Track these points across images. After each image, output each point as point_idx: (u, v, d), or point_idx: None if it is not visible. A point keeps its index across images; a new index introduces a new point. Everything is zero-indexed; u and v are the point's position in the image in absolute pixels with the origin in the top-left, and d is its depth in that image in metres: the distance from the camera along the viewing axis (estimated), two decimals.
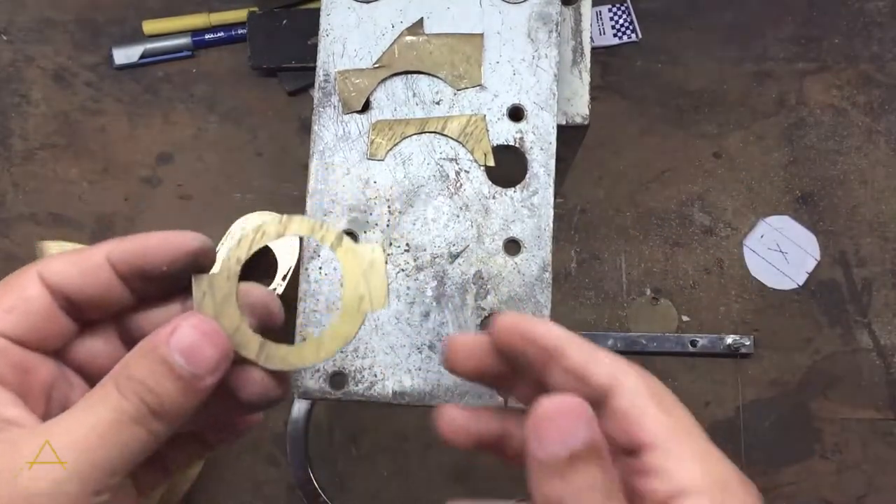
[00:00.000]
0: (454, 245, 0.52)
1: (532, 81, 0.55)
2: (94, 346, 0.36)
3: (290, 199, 0.91)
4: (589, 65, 0.64)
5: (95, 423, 0.31)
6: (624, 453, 0.33)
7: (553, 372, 0.34)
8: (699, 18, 0.97)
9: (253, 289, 0.36)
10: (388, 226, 0.53)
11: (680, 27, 0.96)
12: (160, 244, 0.35)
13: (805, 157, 0.92)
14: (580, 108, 0.63)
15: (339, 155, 0.54)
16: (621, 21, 0.96)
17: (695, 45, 0.96)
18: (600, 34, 0.96)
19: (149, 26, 0.95)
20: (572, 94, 0.63)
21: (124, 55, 0.94)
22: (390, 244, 0.53)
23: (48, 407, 0.34)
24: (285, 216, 0.37)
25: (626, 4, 0.97)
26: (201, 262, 0.35)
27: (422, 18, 0.56)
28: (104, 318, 0.36)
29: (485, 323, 0.51)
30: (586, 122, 0.63)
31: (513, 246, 0.52)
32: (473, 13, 0.56)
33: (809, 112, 0.94)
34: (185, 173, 0.92)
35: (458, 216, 0.53)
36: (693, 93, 0.94)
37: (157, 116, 0.94)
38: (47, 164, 0.93)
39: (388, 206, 0.53)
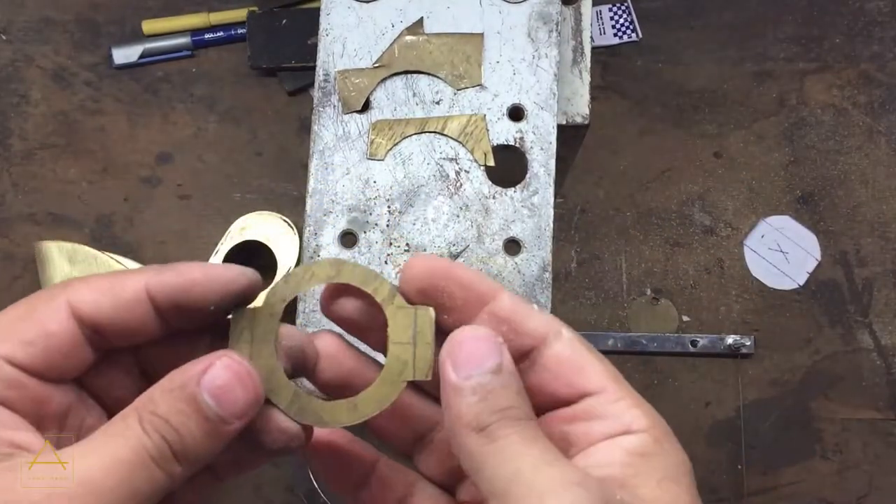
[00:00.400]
0: (454, 245, 0.52)
1: (532, 81, 0.55)
2: (112, 374, 0.34)
3: (290, 199, 0.91)
4: (589, 64, 0.64)
5: (111, 462, 0.29)
6: (555, 402, 0.33)
7: (479, 318, 0.34)
8: (699, 18, 0.97)
9: (293, 332, 0.34)
10: (388, 226, 0.53)
11: (680, 27, 0.96)
12: (208, 280, 0.32)
13: (806, 156, 0.92)
14: (580, 108, 0.63)
15: (339, 155, 0.54)
16: (621, 21, 0.96)
17: (695, 44, 0.96)
18: (600, 34, 0.96)
19: (148, 26, 0.95)
20: (572, 93, 0.63)
21: (124, 55, 0.94)
22: (390, 244, 0.52)
23: (62, 432, 0.33)
24: (338, 260, 0.35)
25: (626, 4, 0.97)
26: (247, 298, 0.34)
27: (422, 18, 0.56)
28: (129, 348, 0.34)
29: None
30: (586, 122, 0.63)
31: (513, 246, 0.52)
32: (473, 13, 0.56)
33: (810, 112, 0.93)
34: (185, 173, 0.92)
35: (458, 216, 0.53)
36: (693, 92, 0.94)
37: (157, 116, 0.94)
38: (46, 164, 0.92)
39: (388, 206, 0.53)
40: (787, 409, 0.86)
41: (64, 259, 0.84)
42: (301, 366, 0.35)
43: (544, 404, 0.34)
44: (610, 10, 0.97)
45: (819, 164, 0.92)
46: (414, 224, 0.53)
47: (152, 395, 0.31)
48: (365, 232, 0.53)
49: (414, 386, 0.34)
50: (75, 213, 0.91)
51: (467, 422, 0.31)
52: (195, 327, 0.34)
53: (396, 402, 0.34)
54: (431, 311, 0.34)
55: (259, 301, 0.34)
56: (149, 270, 0.32)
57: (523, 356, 0.34)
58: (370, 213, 0.53)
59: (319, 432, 0.35)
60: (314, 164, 0.54)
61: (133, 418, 0.30)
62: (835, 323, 0.88)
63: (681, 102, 0.94)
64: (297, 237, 0.81)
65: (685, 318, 0.88)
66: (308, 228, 0.53)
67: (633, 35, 0.96)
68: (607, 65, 0.95)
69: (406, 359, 0.34)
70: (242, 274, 0.33)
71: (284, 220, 0.82)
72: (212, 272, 0.32)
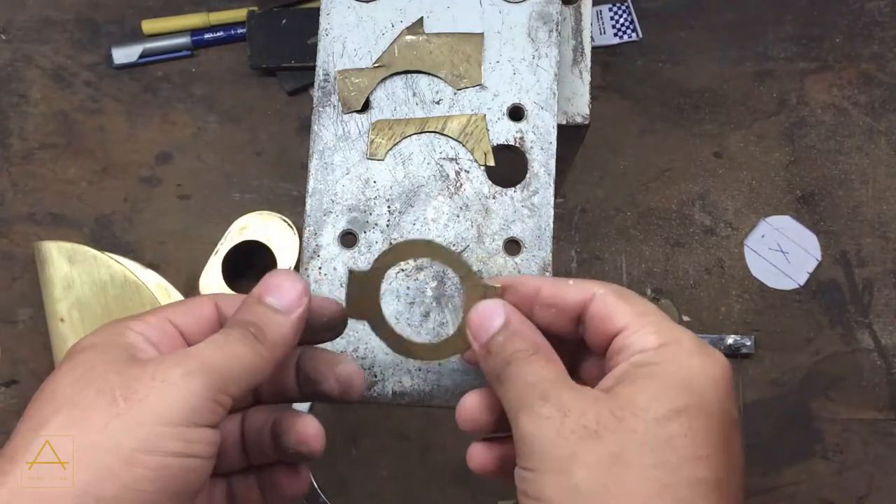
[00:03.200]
0: (454, 245, 0.52)
1: (532, 81, 0.55)
2: None
3: (290, 199, 0.91)
4: (589, 64, 0.64)
5: (211, 342, 0.39)
6: (601, 352, 0.41)
7: (535, 310, 0.43)
8: (700, 18, 0.96)
9: (329, 303, 0.45)
10: (387, 226, 0.53)
11: (681, 26, 0.96)
12: (326, 305, 0.44)
13: (806, 156, 0.92)
14: (580, 108, 0.63)
15: (338, 155, 0.54)
16: (622, 20, 0.96)
17: (695, 44, 0.96)
18: (601, 33, 0.96)
19: (148, 26, 0.95)
20: (572, 93, 0.63)
21: (123, 55, 0.94)
22: (390, 244, 0.52)
23: None
24: (429, 241, 0.47)
25: (626, 4, 0.96)
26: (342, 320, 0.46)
27: (422, 18, 0.56)
28: None
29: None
30: (587, 122, 0.63)
31: (513, 246, 0.52)
32: (473, 12, 0.56)
33: (810, 111, 0.93)
34: (185, 173, 0.92)
35: (458, 216, 0.53)
36: (694, 92, 0.94)
37: (157, 116, 0.94)
38: (46, 164, 0.92)
39: (388, 206, 0.53)
40: (788, 409, 0.86)
41: (63, 259, 0.84)
42: (328, 327, 0.45)
43: (598, 355, 0.42)
44: (610, 9, 0.97)
45: (819, 164, 0.92)
46: (414, 224, 0.53)
47: (230, 316, 0.42)
48: (365, 232, 0.53)
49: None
50: (75, 212, 0.91)
51: (489, 376, 0.41)
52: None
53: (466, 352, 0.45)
54: (499, 288, 0.44)
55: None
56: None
57: (576, 323, 0.42)
58: (370, 213, 0.53)
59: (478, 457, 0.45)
60: (314, 164, 0.54)
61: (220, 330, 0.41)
62: (835, 323, 0.88)
63: (681, 102, 0.94)
64: (296, 237, 0.81)
65: (685, 318, 0.88)
66: (308, 228, 0.53)
67: (634, 35, 0.96)
68: (607, 65, 0.95)
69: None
70: (338, 302, 0.45)
71: (284, 220, 0.82)
72: (323, 300, 0.45)
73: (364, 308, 0.46)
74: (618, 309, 0.40)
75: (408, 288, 0.52)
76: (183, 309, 0.42)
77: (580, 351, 0.45)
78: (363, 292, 0.46)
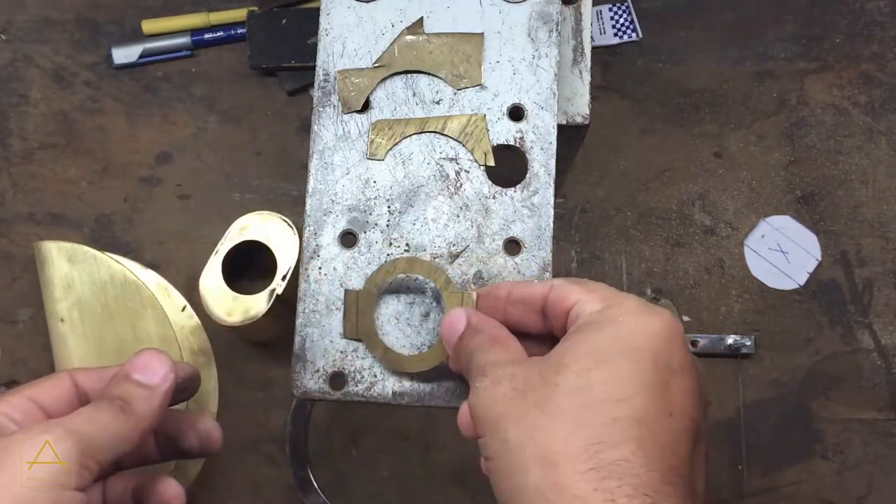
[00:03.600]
0: (454, 245, 0.52)
1: (532, 81, 0.55)
2: None
3: (290, 199, 0.91)
4: (589, 64, 0.64)
5: (79, 413, 0.42)
6: (564, 333, 0.45)
7: (508, 310, 0.47)
8: (700, 18, 0.96)
9: (187, 366, 0.49)
10: (387, 226, 0.53)
11: (681, 26, 0.96)
12: (183, 368, 0.48)
13: (806, 156, 0.92)
14: (580, 108, 0.63)
15: (338, 155, 0.54)
16: (622, 20, 0.96)
17: (695, 44, 0.96)
18: (601, 33, 0.96)
19: (148, 26, 0.95)
20: (573, 93, 0.63)
21: (123, 55, 0.94)
22: (390, 244, 0.52)
23: None
24: (411, 258, 0.51)
25: (626, 4, 0.96)
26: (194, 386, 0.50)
27: (422, 18, 0.56)
28: None
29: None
30: (587, 122, 0.63)
31: (513, 246, 0.52)
32: (473, 12, 0.56)
33: (810, 112, 0.93)
34: (185, 173, 0.92)
35: (458, 216, 0.53)
36: (694, 92, 0.94)
37: (157, 116, 0.94)
38: (46, 164, 0.92)
39: (388, 206, 0.53)
40: (788, 409, 0.86)
41: (63, 259, 0.84)
42: (183, 388, 0.48)
43: (559, 332, 0.45)
44: (610, 9, 0.97)
45: (819, 164, 0.92)
46: (414, 224, 0.53)
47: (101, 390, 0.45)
48: (365, 232, 0.53)
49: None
50: (75, 213, 0.91)
51: (462, 372, 0.46)
52: None
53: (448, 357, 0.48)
54: (474, 294, 0.49)
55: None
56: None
57: (542, 316, 0.46)
58: (370, 213, 0.53)
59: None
60: (314, 164, 0.54)
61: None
62: (835, 323, 0.88)
63: (681, 102, 0.94)
64: (297, 237, 0.81)
65: (685, 318, 0.88)
66: (308, 228, 0.53)
67: (633, 35, 0.96)
68: (607, 65, 0.95)
69: None
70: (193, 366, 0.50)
71: (284, 220, 0.82)
72: (183, 367, 0.49)
73: (360, 327, 0.50)
74: (570, 290, 0.45)
75: (408, 288, 0.52)
76: (43, 387, 0.45)
77: (553, 344, 0.49)
78: (358, 311, 0.50)
